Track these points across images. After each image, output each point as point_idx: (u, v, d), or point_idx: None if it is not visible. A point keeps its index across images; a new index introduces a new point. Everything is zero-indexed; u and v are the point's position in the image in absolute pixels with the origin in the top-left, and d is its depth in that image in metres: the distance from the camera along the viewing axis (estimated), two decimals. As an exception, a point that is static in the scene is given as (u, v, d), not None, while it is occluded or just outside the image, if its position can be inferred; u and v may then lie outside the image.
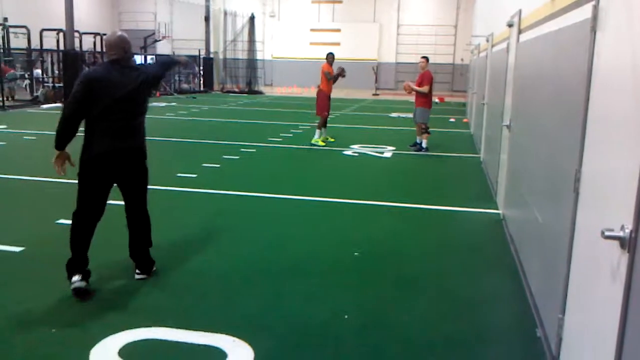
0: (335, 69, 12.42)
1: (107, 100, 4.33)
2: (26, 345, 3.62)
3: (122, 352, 3.52)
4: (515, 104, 6.21)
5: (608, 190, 2.62)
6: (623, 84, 2.46)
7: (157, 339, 3.70)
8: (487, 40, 11.18)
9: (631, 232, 2.18)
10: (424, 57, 12.11)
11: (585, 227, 2.98)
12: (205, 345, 3.64)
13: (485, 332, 3.98)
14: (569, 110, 3.43)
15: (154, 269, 4.80)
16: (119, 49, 4.49)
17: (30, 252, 5.29)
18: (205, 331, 3.81)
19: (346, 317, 4.11)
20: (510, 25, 6.88)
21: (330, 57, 12.59)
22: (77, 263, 4.43)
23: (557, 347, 3.35)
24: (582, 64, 3.10)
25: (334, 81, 12.58)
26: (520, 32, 6.14)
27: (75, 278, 4.36)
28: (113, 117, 4.39)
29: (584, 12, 3.17)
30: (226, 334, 3.77)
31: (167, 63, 5.32)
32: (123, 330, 3.78)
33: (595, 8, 2.93)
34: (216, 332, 3.80)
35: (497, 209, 7.24)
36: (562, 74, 3.78)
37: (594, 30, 2.95)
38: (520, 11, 6.20)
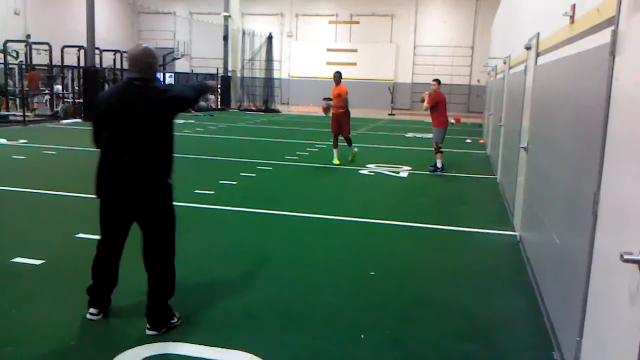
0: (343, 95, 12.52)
1: (110, 129, 3.87)
2: (48, 356, 3.67)
3: (142, 365, 3.57)
4: (532, 126, 6.23)
5: (627, 213, 2.63)
6: (642, 108, 2.49)
7: (177, 354, 3.74)
8: (505, 62, 11.22)
9: (651, 255, 2.19)
10: (435, 79, 12.15)
11: (603, 250, 2.99)
12: (223, 361, 3.67)
13: (503, 354, 3.97)
14: (588, 133, 3.45)
15: (175, 321, 4.09)
16: (143, 65, 3.87)
17: (50, 266, 5.36)
18: (223, 348, 3.84)
19: (362, 336, 4.12)
20: (528, 48, 6.92)
21: (335, 77, 12.73)
22: (96, 294, 4.17)
23: (575, 371, 3.34)
24: (601, 87, 3.13)
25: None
26: (538, 54, 6.17)
27: (92, 311, 4.15)
28: (117, 150, 3.85)
29: (603, 37, 3.21)
30: (244, 351, 3.80)
31: (200, 89, 4.47)
32: (144, 344, 3.82)
33: (615, 33, 2.97)
34: (234, 349, 3.83)
35: (513, 230, 7.22)
36: (580, 97, 3.81)
37: (612, 54, 2.98)
38: (538, 34, 6.24)
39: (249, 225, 7.19)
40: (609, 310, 2.81)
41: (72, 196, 8.32)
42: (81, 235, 6.24)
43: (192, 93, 4.28)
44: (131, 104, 3.83)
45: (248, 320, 4.32)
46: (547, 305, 4.47)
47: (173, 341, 3.90)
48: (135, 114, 3.81)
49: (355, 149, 13.17)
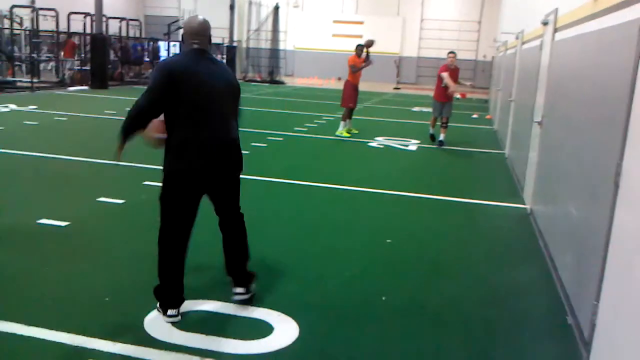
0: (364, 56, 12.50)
1: (198, 100, 3.65)
2: (83, 311, 3.84)
3: (175, 321, 3.73)
4: (548, 101, 6.33)
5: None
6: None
7: (208, 311, 3.91)
8: (517, 38, 11.25)
9: (676, 221, 2.33)
10: (453, 52, 12.20)
11: (625, 218, 3.13)
12: (253, 319, 3.84)
13: (520, 320, 4.14)
14: (611, 107, 3.57)
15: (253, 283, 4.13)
16: (205, 38, 3.80)
17: (76, 227, 5.51)
18: (251, 306, 4.01)
19: (384, 298, 4.29)
20: (545, 24, 6.99)
21: (358, 49, 12.63)
22: (172, 294, 3.80)
23: (589, 333, 3.50)
24: (628, 61, 3.23)
25: (364, 63, 12.61)
26: (556, 30, 6.24)
27: (171, 313, 3.75)
28: (205, 121, 3.69)
29: (631, 13, 3.30)
30: (272, 309, 3.97)
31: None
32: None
33: (644, 9, 3.07)
34: (261, 307, 4.00)
35: (523, 203, 7.37)
36: (604, 72, 3.91)
37: (642, 30, 3.08)
38: (556, 10, 6.30)
39: (266, 194, 7.33)
40: (629, 274, 2.96)
41: (88, 161, 8.46)
42: (102, 198, 6.39)
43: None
44: (214, 71, 3.75)
45: (272, 281, 4.48)
46: (561, 273, 4.63)
47: (203, 299, 4.07)
48: (219, 81, 3.77)
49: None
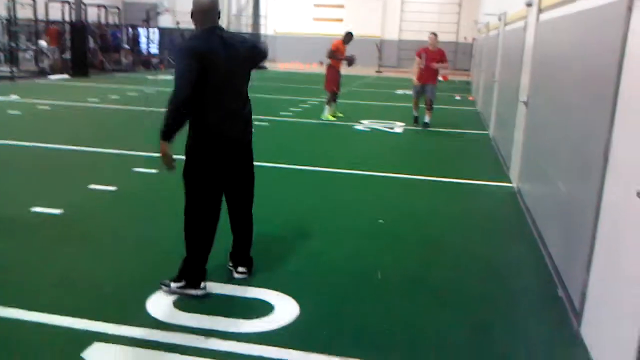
0: (347, 53, 12.53)
1: (221, 79, 3.72)
2: (85, 296, 3.89)
3: (176, 303, 3.79)
4: (534, 81, 6.44)
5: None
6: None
7: (209, 292, 3.96)
8: (500, 19, 11.35)
9: (666, 191, 2.44)
10: (434, 33, 12.26)
11: (614, 190, 3.24)
12: (253, 299, 3.92)
13: (512, 293, 4.27)
14: (599, 84, 3.67)
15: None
16: (215, 15, 3.81)
17: (69, 214, 5.53)
18: (251, 286, 4.08)
19: (380, 276, 4.39)
20: (529, 5, 7.08)
21: (348, 37, 12.60)
22: (201, 270, 3.92)
23: (580, 304, 3.63)
24: (616, 40, 3.33)
25: (340, 61, 12.67)
26: (540, 11, 6.34)
27: (203, 285, 3.89)
28: (225, 97, 3.80)
29: (618, -7, 3.39)
30: (270, 289, 4.05)
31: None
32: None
33: (632, -12, 3.16)
34: (261, 287, 4.07)
35: (510, 182, 7.51)
36: (591, 52, 4.01)
37: (630, 8, 3.17)
38: (541, -10, 6.39)
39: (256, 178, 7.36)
40: (618, 245, 3.07)
41: (75, 149, 8.44)
42: (94, 186, 6.40)
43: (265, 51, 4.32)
44: (234, 49, 3.79)
45: (268, 262, 4.54)
46: (550, 248, 4.76)
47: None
48: (240, 57, 3.84)
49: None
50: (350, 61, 12.59)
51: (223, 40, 3.76)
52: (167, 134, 3.64)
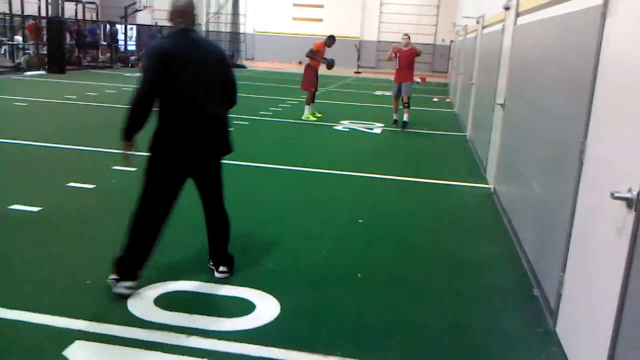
0: (327, 56, 12.63)
1: (187, 79, 3.69)
2: (65, 294, 3.88)
3: (157, 301, 3.80)
4: (511, 84, 6.55)
5: (613, 160, 2.95)
6: (632, 64, 2.79)
7: (189, 291, 3.99)
8: (477, 22, 11.50)
9: (638, 193, 2.51)
10: (406, 34, 12.52)
11: (588, 192, 3.33)
12: (234, 297, 3.94)
13: (489, 292, 4.35)
14: (575, 88, 3.76)
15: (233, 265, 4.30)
16: (192, 17, 3.84)
17: (48, 212, 5.49)
18: (231, 285, 4.11)
19: (359, 275, 4.44)
20: (507, 9, 7.20)
21: (330, 39, 12.72)
22: (133, 267, 3.87)
23: (556, 303, 3.72)
24: (590, 46, 3.42)
25: (319, 62, 12.79)
26: (518, 15, 6.45)
27: (127, 284, 3.83)
28: (195, 99, 3.75)
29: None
30: (251, 287, 4.07)
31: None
32: (155, 283, 4.05)
33: (607, -5, 3.25)
34: (241, 286, 4.10)
35: (486, 183, 7.62)
36: (567, 56, 4.11)
37: (604, 15, 3.26)
38: (518, -5, 6.51)
39: (234, 177, 7.39)
40: (594, 245, 3.16)
41: (54, 147, 8.36)
42: (72, 184, 6.36)
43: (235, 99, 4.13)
44: (201, 52, 3.78)
45: (248, 262, 4.56)
46: (526, 248, 4.86)
47: (184, 280, 4.15)
48: (206, 60, 3.79)
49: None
50: (330, 65, 12.79)
51: (193, 42, 3.76)
52: (127, 132, 3.69)
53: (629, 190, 2.59)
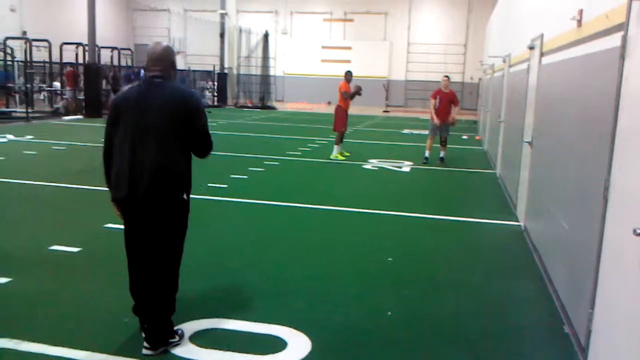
0: (352, 87, 12.88)
1: (126, 126, 3.62)
2: (105, 331, 4.02)
3: (193, 338, 3.92)
4: (537, 122, 6.62)
5: (636, 197, 3.01)
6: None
7: (223, 329, 4.10)
8: (504, 61, 11.62)
9: (660, 229, 2.58)
10: (447, 76, 12.91)
11: (614, 229, 3.38)
12: (266, 334, 4.03)
13: (518, 330, 4.36)
14: (597, 127, 3.84)
15: (176, 340, 3.83)
16: (166, 63, 3.75)
17: (87, 252, 5.70)
18: (263, 323, 4.20)
19: (389, 313, 4.50)
20: (531, 48, 7.32)
21: (348, 75, 12.99)
22: (137, 310, 3.92)
23: (586, 340, 3.73)
24: (611, 86, 3.51)
25: (351, 99, 13.03)
26: (542, 54, 6.56)
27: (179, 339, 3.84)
28: (131, 146, 3.59)
29: (613, 41, 3.59)
30: (283, 325, 4.16)
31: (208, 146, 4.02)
32: (190, 320, 4.17)
33: (625, 38, 3.35)
34: (273, 324, 4.19)
35: (517, 220, 7.63)
36: (590, 95, 4.20)
37: (622, 57, 3.37)
38: (542, 35, 6.63)
39: (265, 217, 7.55)
40: (620, 281, 3.20)
41: (91, 189, 8.64)
42: (110, 225, 6.57)
43: (209, 144, 3.94)
44: (151, 99, 3.63)
45: (280, 299, 4.68)
46: (556, 285, 4.87)
47: (218, 318, 4.26)
48: (153, 108, 3.60)
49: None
50: (358, 91, 12.95)
51: (150, 90, 3.66)
52: (107, 185, 3.79)
53: (651, 226, 2.65)
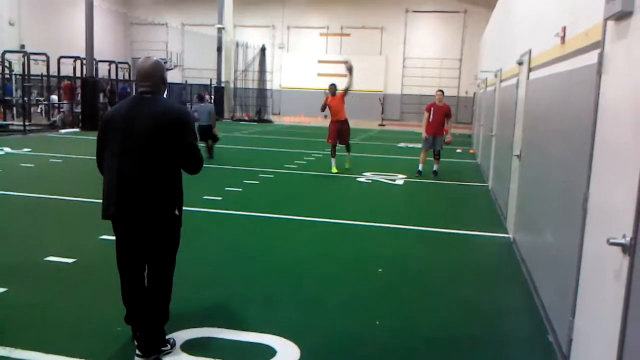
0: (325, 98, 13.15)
1: (114, 142, 3.68)
2: (98, 340, 4.10)
3: (184, 347, 4.00)
4: (525, 136, 6.76)
5: (611, 207, 3.13)
6: (623, 118, 2.99)
7: (213, 337, 4.18)
8: (496, 76, 11.79)
9: (631, 239, 2.68)
10: (440, 90, 13.02)
11: (592, 239, 3.49)
12: (256, 343, 4.12)
13: (505, 338, 4.46)
14: (578, 141, 3.96)
15: (167, 348, 3.88)
16: (156, 78, 3.78)
17: (82, 263, 5.78)
18: (254, 332, 4.29)
19: (377, 322, 4.59)
20: (520, 63, 7.47)
21: (331, 88, 13.24)
22: (129, 319, 4.01)
23: (567, 347, 3.83)
24: (589, 101, 3.64)
25: (322, 110, 13.32)
26: (530, 69, 6.70)
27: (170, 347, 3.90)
28: (121, 164, 3.64)
29: (591, 58, 3.72)
30: (273, 334, 4.25)
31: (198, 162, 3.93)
32: (182, 329, 4.25)
33: (601, 55, 3.49)
34: (263, 332, 4.28)
35: (507, 233, 7.74)
36: (571, 110, 4.33)
37: (599, 73, 3.49)
38: (530, 51, 6.78)
39: (259, 227, 7.64)
40: (598, 289, 3.30)
41: (87, 201, 8.74)
42: (105, 237, 6.65)
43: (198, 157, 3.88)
44: (140, 114, 3.65)
45: (270, 308, 4.77)
46: (542, 296, 4.97)
47: (208, 327, 4.34)
48: (141, 123, 3.62)
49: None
50: (348, 67, 13.35)
51: (138, 106, 3.71)
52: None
53: (624, 237, 2.75)
